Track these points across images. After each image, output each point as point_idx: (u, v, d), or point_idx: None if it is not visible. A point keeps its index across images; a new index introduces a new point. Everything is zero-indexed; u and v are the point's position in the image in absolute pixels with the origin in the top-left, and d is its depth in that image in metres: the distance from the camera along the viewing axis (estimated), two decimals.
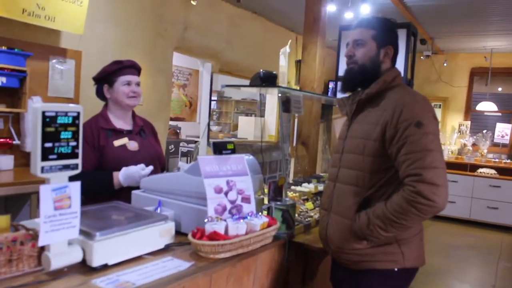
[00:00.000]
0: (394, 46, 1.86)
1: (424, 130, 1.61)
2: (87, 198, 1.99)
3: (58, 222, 1.32)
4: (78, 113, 1.37)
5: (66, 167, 1.35)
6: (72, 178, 2.07)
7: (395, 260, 1.73)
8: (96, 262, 1.43)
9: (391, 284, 1.78)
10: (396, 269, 1.73)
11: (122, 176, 2.19)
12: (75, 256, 1.41)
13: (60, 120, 1.31)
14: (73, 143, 1.36)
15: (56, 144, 1.31)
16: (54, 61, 3.87)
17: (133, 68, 2.40)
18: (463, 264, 5.40)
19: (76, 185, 1.37)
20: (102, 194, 2.13)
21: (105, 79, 2.35)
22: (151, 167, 2.27)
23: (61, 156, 1.33)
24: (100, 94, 2.40)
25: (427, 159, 1.56)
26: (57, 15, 3.62)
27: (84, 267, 1.43)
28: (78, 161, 1.38)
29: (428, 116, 1.65)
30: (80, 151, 1.38)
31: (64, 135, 1.33)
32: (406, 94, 1.74)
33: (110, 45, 4.49)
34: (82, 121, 1.38)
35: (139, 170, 2.20)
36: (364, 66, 1.82)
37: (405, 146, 1.61)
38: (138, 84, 2.39)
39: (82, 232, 1.44)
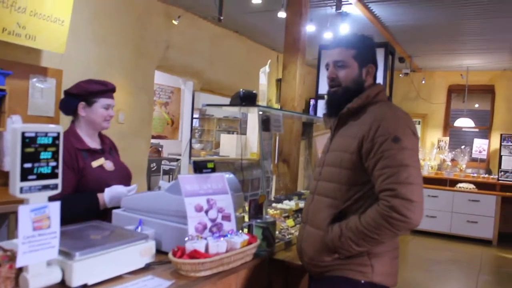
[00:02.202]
0: (375, 64, 1.87)
1: (401, 145, 1.60)
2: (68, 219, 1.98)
3: (37, 242, 1.31)
4: (58, 133, 1.37)
5: (45, 187, 1.35)
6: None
7: (363, 271, 1.70)
8: (75, 283, 1.42)
9: None
10: (363, 281, 1.70)
11: (108, 197, 2.17)
12: (54, 276, 1.40)
13: (40, 140, 1.32)
14: (53, 163, 1.36)
15: (36, 164, 1.32)
16: (34, 79, 3.86)
17: (113, 91, 2.38)
18: (444, 279, 5.45)
19: (56, 205, 1.37)
20: (88, 217, 2.08)
21: (84, 96, 2.28)
22: (135, 186, 2.27)
23: (40, 177, 1.33)
24: (70, 109, 2.32)
25: (403, 174, 1.56)
26: (38, 34, 3.63)
27: None
28: (58, 181, 1.39)
29: (407, 131, 1.64)
30: (60, 171, 1.39)
31: (44, 155, 1.34)
32: (386, 109, 1.73)
33: (91, 64, 4.50)
34: (62, 141, 1.39)
35: (126, 191, 2.19)
36: (348, 88, 1.82)
37: (381, 160, 1.61)
38: (113, 107, 2.38)
39: (61, 252, 1.43)
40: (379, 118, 1.68)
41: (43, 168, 1.34)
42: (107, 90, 2.32)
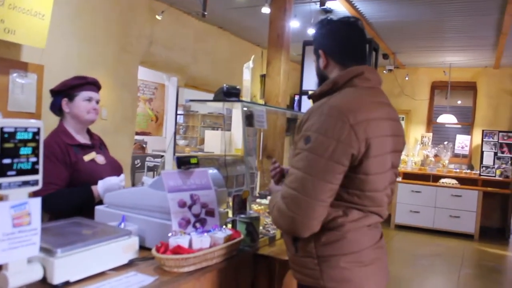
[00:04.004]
0: (324, 46, 1.68)
1: (308, 147, 1.46)
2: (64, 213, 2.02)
3: (17, 239, 1.29)
4: (39, 128, 1.35)
5: (25, 183, 1.33)
6: (52, 198, 2.13)
7: (312, 276, 1.56)
8: (57, 280, 1.41)
9: None
10: (315, 287, 1.56)
11: (102, 189, 2.19)
12: (35, 274, 1.38)
13: (20, 136, 1.30)
14: (33, 159, 1.34)
15: (15, 160, 1.29)
16: (14, 75, 3.80)
17: (94, 85, 2.40)
18: (427, 273, 5.52)
19: (36, 202, 1.35)
20: (82, 209, 2.11)
21: (65, 92, 2.32)
22: (123, 175, 2.32)
23: (20, 172, 1.31)
24: (56, 107, 2.35)
25: (293, 181, 1.46)
26: (18, 29, 3.57)
27: (44, 285, 1.41)
28: (39, 177, 1.37)
29: (326, 134, 1.44)
30: (40, 167, 1.37)
31: (24, 151, 1.31)
32: (328, 102, 1.53)
33: (73, 59, 4.45)
34: (42, 136, 1.37)
35: (119, 182, 2.23)
36: (318, 84, 1.74)
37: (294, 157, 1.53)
38: (97, 101, 2.40)
39: (42, 249, 1.42)
40: (312, 110, 1.55)
41: (23, 164, 1.31)
42: (86, 83, 2.35)
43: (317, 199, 1.43)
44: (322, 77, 1.71)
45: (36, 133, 1.34)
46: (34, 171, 1.35)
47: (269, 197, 1.85)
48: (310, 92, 1.70)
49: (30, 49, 3.92)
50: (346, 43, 1.67)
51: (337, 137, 1.43)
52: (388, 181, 1.62)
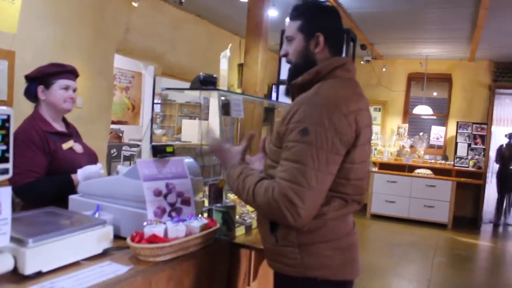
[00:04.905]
0: (325, 32, 1.62)
1: (307, 140, 1.43)
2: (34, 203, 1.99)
3: None
4: (9, 115, 1.31)
5: None
6: (33, 186, 2.10)
7: (292, 265, 1.56)
8: (28, 270, 1.38)
9: None
10: (293, 276, 1.57)
11: (82, 177, 2.16)
12: (5, 264, 1.35)
13: None
14: (2, 147, 1.31)
15: None
16: None
17: (72, 73, 2.36)
18: (402, 261, 5.63)
19: (6, 191, 1.32)
20: (61, 198, 2.07)
21: (41, 79, 2.27)
22: (101, 164, 2.30)
23: None
24: (31, 94, 2.31)
25: (296, 174, 1.42)
26: None
27: (16, 276, 1.38)
28: (9, 165, 1.33)
29: (323, 125, 1.43)
30: (10, 155, 1.33)
31: None
32: (318, 92, 1.52)
33: (47, 45, 4.34)
34: (13, 124, 1.33)
35: (98, 170, 2.21)
36: (297, 64, 1.66)
37: (285, 150, 1.48)
38: (75, 90, 2.36)
39: (13, 239, 1.38)
40: (303, 100, 1.50)
41: None
42: (63, 71, 2.31)
43: (321, 191, 1.45)
44: (309, 61, 1.63)
45: (6, 120, 1.30)
46: (4, 159, 1.31)
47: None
48: (294, 81, 1.64)
49: (0, 34, 3.81)
50: (340, 32, 1.70)
51: (335, 128, 1.44)
52: (367, 169, 1.66)
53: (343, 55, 1.76)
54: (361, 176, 1.59)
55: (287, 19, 1.76)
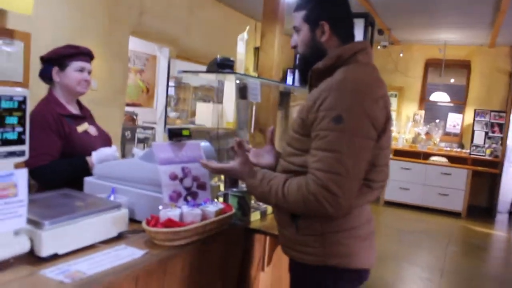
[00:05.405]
0: (330, 20, 1.59)
1: (342, 127, 1.39)
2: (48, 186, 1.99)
3: (3, 211, 1.26)
4: (25, 97, 1.30)
5: (11, 154, 1.29)
6: (47, 169, 2.11)
7: (314, 254, 1.54)
8: (45, 252, 1.38)
9: (317, 281, 1.57)
10: (319, 265, 1.55)
11: (96, 160, 2.15)
12: (22, 246, 1.35)
13: (4, 104, 1.25)
14: (19, 129, 1.30)
15: (0, 130, 1.25)
16: (0, 42, 3.69)
17: (88, 55, 2.34)
18: (415, 249, 5.59)
19: (23, 173, 1.31)
20: (75, 181, 2.07)
21: (56, 61, 2.25)
22: (115, 147, 2.29)
23: (6, 143, 1.27)
24: (46, 75, 2.29)
25: (332, 162, 1.38)
26: None
27: (32, 258, 1.38)
28: (25, 147, 1.32)
29: (356, 111, 1.40)
30: (27, 137, 1.32)
31: (9, 120, 1.27)
32: (346, 77, 1.47)
33: (62, 27, 4.33)
34: (29, 106, 1.32)
35: (113, 152, 2.20)
36: (305, 55, 1.65)
37: (317, 139, 1.44)
38: (89, 72, 2.34)
39: (30, 221, 1.39)
40: (331, 87, 1.46)
41: (8, 134, 1.27)
42: (79, 52, 2.28)
43: (358, 178, 1.44)
44: (317, 51, 1.61)
45: (22, 102, 1.29)
46: (20, 141, 1.31)
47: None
48: (314, 67, 1.59)
49: (16, 16, 3.80)
50: (347, 16, 1.65)
51: (368, 113, 1.42)
52: (390, 155, 1.64)
53: (362, 39, 1.72)
54: (386, 162, 1.59)
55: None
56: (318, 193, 1.38)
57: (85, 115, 2.42)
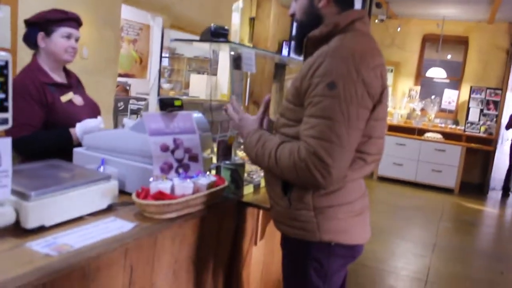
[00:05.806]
0: None
1: (334, 93, 1.33)
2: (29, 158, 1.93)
3: None
4: (6, 62, 1.23)
5: None
6: (29, 140, 2.02)
7: (306, 229, 1.50)
8: (31, 224, 1.34)
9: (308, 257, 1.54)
10: (312, 241, 1.51)
11: (80, 132, 2.06)
12: (7, 217, 1.31)
13: None
14: (1, 95, 1.23)
15: None
16: None
17: (76, 21, 2.22)
18: (408, 224, 5.62)
19: (6, 142, 1.25)
20: (59, 153, 1.98)
21: (42, 25, 2.14)
22: (101, 118, 2.19)
23: None
24: (30, 41, 2.18)
25: (324, 129, 1.33)
26: None
27: (18, 230, 1.34)
28: (8, 115, 1.26)
29: (351, 77, 1.35)
30: (10, 104, 1.26)
31: None
32: (343, 44, 1.42)
33: None
34: (11, 71, 1.25)
35: (98, 124, 2.11)
36: (302, 22, 1.60)
37: (310, 106, 1.38)
38: (77, 39, 2.23)
39: (15, 192, 1.34)
40: (326, 53, 1.40)
41: None
42: (66, 18, 2.17)
43: (351, 148, 1.38)
44: (315, 18, 1.56)
45: (3, 67, 1.22)
46: (2, 108, 1.24)
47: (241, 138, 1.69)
48: (310, 34, 1.53)
49: None
50: None
51: (364, 80, 1.37)
52: (385, 128, 1.60)
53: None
54: (382, 134, 1.53)
55: None
56: (308, 160, 1.33)
57: (71, 84, 2.30)
